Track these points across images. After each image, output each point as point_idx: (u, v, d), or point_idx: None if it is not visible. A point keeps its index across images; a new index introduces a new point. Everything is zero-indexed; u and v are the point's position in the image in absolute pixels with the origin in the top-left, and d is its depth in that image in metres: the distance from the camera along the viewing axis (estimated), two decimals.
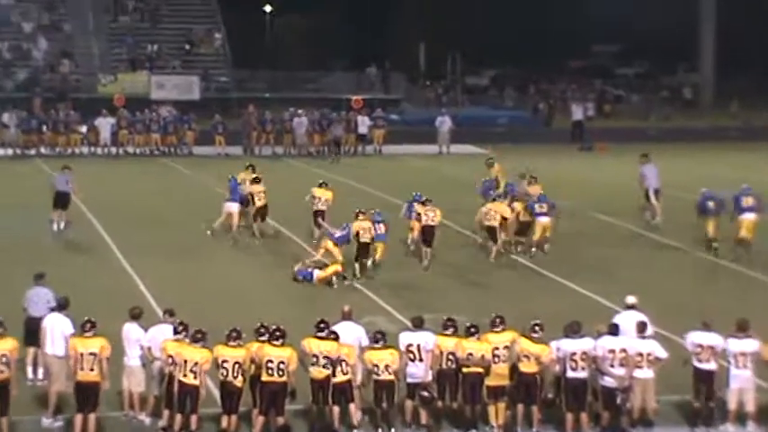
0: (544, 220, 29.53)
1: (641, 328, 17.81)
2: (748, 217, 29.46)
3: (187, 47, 66.83)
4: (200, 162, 47.12)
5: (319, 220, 30.07)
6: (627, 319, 18.24)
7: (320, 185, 31.19)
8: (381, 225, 27.36)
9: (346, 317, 18.22)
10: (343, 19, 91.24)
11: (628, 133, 58.31)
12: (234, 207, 30.73)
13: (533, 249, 29.52)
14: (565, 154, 51.27)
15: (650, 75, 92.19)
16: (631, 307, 18.85)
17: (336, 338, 17.21)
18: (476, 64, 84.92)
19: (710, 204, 29.78)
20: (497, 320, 17.61)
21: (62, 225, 31.86)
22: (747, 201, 29.64)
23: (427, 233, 28.55)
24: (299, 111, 51.18)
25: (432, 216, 28.55)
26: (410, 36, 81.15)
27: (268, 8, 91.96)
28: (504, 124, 63.52)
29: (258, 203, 31.12)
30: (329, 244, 26.63)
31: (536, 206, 29.55)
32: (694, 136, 58.51)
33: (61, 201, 31.98)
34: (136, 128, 50.28)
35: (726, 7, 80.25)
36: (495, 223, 28.76)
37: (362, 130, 51.28)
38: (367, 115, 52.34)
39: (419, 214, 28.76)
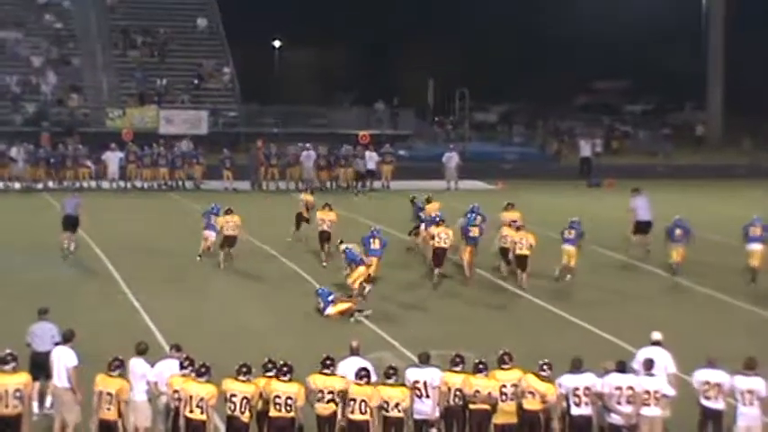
0: (568, 247, 30.14)
1: (648, 365, 17.72)
2: (756, 247, 30.81)
3: (196, 81, 67.00)
4: (208, 196, 47.05)
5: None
6: (651, 355, 18.16)
7: (324, 207, 32.91)
8: (377, 240, 28.60)
9: (354, 352, 18.15)
10: (352, 54, 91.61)
11: (636, 170, 58.30)
12: (211, 235, 31.98)
13: (558, 275, 30.09)
14: (573, 190, 51.26)
15: (658, 111, 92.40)
16: (656, 343, 18.77)
17: (366, 375, 17.01)
18: (484, 100, 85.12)
19: (677, 232, 31.28)
20: (505, 357, 17.55)
21: (72, 247, 32.54)
22: (755, 231, 30.98)
23: (438, 255, 29.55)
24: (307, 144, 51.38)
25: (444, 238, 29.52)
26: (419, 72, 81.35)
27: (277, 43, 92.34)
28: (513, 160, 63.52)
29: (226, 233, 31.52)
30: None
31: (565, 232, 30.34)
32: (702, 173, 58.48)
33: (70, 223, 32.68)
34: (143, 162, 50.38)
35: (733, 44, 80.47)
36: (527, 251, 29.49)
37: (370, 165, 51.35)
38: (375, 150, 52.45)
39: (433, 236, 29.87)
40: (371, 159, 51.45)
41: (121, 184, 49.84)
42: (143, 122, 61.40)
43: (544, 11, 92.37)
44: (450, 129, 73.43)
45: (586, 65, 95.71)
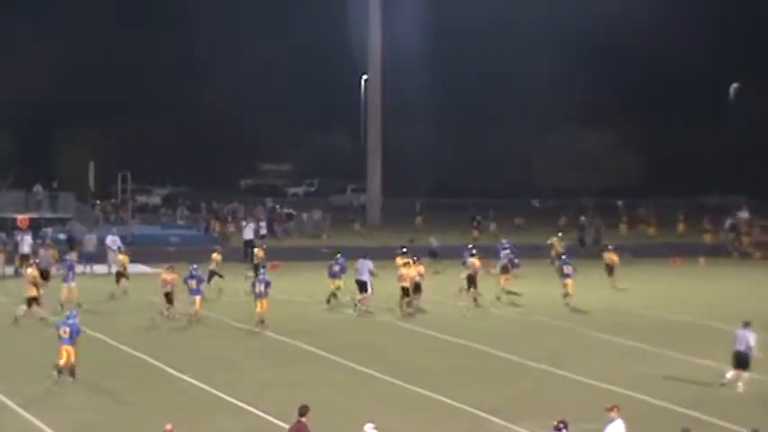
0: (568, 280, 40.33)
1: None
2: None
3: None
4: None
5: None
6: None
7: None
8: (262, 285, 33.26)
9: None
10: (8, 137, 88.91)
11: (300, 252, 58.74)
12: (72, 284, 38.80)
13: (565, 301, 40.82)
14: (236, 273, 50.96)
15: (320, 193, 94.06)
16: None
17: None
18: (147, 183, 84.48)
19: (565, 269, 40.58)
20: None
21: None
22: (505, 253, 43.69)
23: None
24: None
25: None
26: (79, 154, 79.78)
27: None
28: (177, 243, 62.87)
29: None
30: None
31: (564, 268, 40.47)
32: (363, 253, 59.38)
33: None
34: None
35: (395, 129, 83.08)
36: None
37: (25, 249, 49.57)
38: (32, 235, 50.91)
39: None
40: (26, 243, 49.83)
41: None
42: None
43: (206, 94, 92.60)
44: (109, 211, 72.13)
45: (250, 148, 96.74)
